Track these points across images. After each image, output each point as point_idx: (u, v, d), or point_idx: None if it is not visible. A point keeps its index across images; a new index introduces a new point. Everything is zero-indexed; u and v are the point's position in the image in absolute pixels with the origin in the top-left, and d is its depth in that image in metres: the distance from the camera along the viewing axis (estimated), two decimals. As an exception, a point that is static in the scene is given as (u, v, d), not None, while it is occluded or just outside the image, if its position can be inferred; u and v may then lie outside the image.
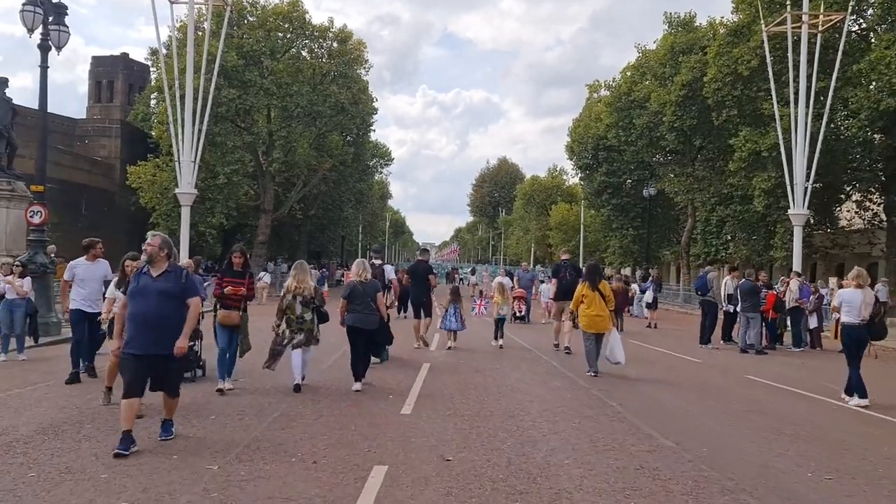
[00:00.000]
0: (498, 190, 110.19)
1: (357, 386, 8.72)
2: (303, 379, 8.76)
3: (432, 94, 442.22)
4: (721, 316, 16.30)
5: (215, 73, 24.57)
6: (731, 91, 28.44)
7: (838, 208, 32.61)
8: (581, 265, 16.46)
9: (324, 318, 8.98)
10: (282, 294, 8.97)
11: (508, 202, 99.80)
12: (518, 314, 20.89)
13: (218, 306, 8.60)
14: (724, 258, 42.28)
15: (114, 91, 58.14)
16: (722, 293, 15.87)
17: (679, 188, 36.59)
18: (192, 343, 7.94)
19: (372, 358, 9.74)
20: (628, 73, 39.07)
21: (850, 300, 9.33)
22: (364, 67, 42.11)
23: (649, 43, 38.44)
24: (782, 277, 19.16)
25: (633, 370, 11.33)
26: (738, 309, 15.23)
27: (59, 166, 33.65)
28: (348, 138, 50.24)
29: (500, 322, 14.49)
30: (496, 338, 14.33)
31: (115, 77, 57.90)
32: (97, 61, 58.38)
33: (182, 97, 23.79)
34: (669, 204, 44.56)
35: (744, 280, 14.91)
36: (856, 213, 33.61)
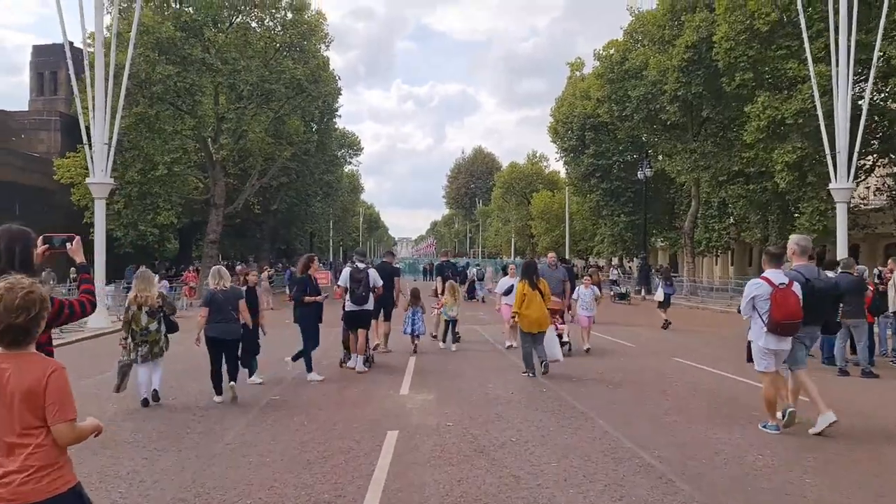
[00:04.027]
0: (474, 181, 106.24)
1: (218, 399, 8.63)
2: (155, 394, 8.36)
3: (407, 88, 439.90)
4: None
5: (132, 38, 20.01)
6: (745, 51, 24.53)
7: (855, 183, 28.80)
8: (558, 258, 14.75)
9: (173, 327, 8.76)
10: (126, 305, 8.65)
11: (486, 193, 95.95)
12: (561, 339, 12.31)
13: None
14: (726, 244, 38.67)
15: (57, 82, 53.44)
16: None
17: (682, 166, 32.55)
18: None
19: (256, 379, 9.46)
20: (621, 40, 34.88)
21: None
22: (324, 42, 37.46)
23: (643, 4, 34.27)
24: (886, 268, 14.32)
25: (721, 427, 7.26)
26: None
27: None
28: (312, 126, 45.62)
29: (449, 324, 13.93)
30: (443, 339, 13.99)
31: (58, 67, 53.15)
32: (38, 51, 53.95)
33: (93, 69, 19.33)
34: (665, 186, 40.73)
35: (840, 272, 10.28)
36: (877, 189, 30.16)
